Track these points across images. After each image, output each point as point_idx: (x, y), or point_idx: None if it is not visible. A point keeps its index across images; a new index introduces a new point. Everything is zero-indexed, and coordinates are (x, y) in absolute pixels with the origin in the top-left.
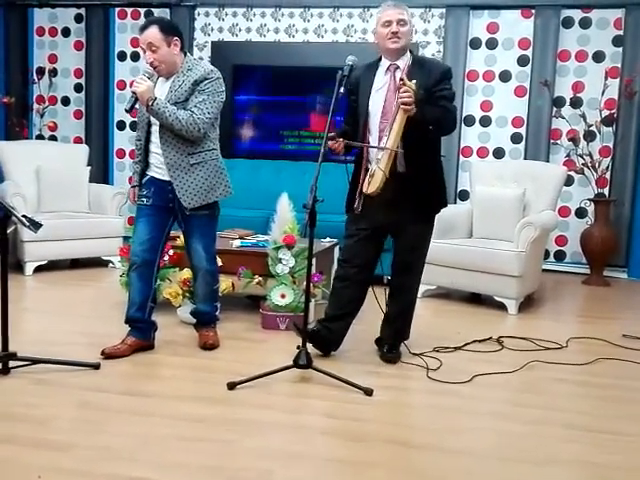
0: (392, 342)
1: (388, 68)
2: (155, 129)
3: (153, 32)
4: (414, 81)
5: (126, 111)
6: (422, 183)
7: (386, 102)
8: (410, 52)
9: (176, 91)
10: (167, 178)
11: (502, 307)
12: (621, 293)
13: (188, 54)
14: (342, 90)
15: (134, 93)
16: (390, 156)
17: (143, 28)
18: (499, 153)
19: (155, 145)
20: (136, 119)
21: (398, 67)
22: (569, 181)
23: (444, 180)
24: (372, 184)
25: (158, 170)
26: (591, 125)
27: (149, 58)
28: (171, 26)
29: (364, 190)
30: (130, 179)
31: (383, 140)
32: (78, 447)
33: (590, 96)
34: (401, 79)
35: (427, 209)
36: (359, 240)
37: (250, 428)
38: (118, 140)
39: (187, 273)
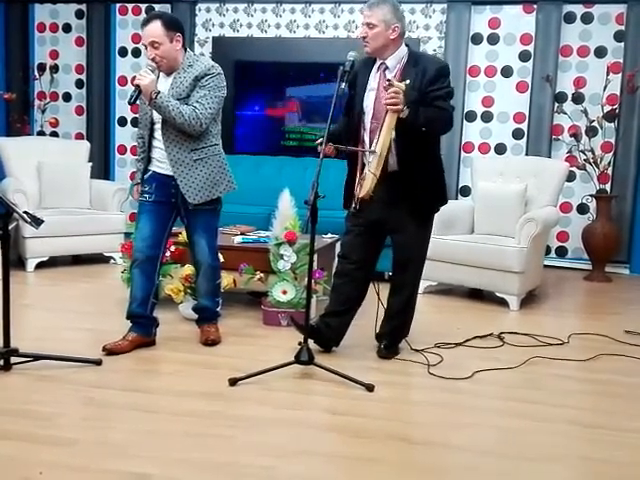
0: (390, 339)
1: (379, 67)
2: (158, 127)
3: (156, 27)
4: (407, 81)
5: (129, 103)
6: (415, 183)
7: (376, 102)
8: (407, 46)
9: (177, 87)
10: (169, 173)
11: (503, 303)
12: (623, 289)
13: (188, 50)
14: (343, 86)
15: (137, 86)
16: (380, 158)
17: (145, 22)
18: (501, 149)
19: (158, 141)
20: (137, 115)
21: (387, 67)
22: (571, 177)
23: (443, 177)
24: (363, 187)
25: (160, 165)
26: (593, 121)
27: (151, 54)
28: (174, 22)
29: (356, 194)
30: (132, 175)
31: (374, 142)
32: (80, 443)
33: (592, 91)
34: (388, 80)
35: (422, 209)
36: (356, 236)
37: (251, 424)
38: (119, 136)
39: (189, 269)
